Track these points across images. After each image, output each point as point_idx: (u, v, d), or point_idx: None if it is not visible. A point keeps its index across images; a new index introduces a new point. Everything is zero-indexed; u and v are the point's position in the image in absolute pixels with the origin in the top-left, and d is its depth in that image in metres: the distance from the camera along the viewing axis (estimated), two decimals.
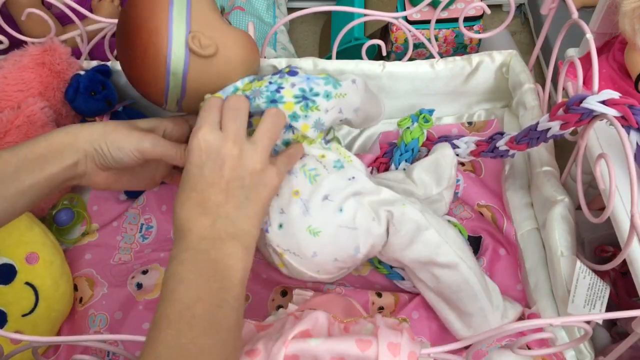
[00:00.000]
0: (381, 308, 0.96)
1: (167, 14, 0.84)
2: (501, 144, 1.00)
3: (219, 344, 0.67)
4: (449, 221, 1.00)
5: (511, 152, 1.00)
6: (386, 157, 1.12)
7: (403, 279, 0.98)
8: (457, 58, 1.14)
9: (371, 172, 1.10)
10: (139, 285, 1.03)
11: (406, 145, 1.09)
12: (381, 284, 1.01)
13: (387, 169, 1.11)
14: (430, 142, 1.12)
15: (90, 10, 1.44)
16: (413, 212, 0.88)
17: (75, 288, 1.03)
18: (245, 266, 0.74)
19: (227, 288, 0.71)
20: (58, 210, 1.09)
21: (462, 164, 1.13)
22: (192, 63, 0.86)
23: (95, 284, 1.04)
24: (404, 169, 1.07)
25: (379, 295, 0.97)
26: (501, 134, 1.02)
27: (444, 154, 1.04)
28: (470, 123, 1.20)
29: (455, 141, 1.09)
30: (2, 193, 0.78)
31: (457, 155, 1.08)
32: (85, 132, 0.84)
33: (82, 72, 1.10)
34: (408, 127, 1.10)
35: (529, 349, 0.80)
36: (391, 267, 0.99)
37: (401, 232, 0.88)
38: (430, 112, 1.11)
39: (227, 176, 0.76)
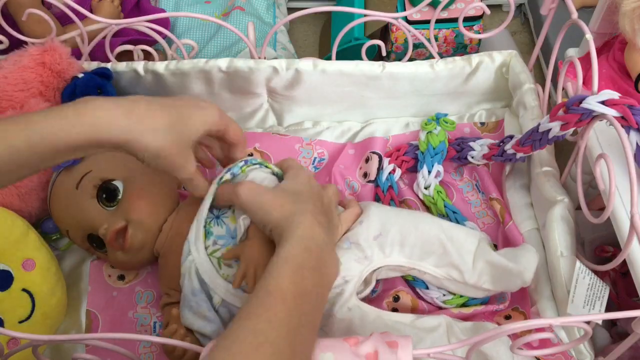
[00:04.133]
0: (395, 309, 0.96)
1: None
2: (508, 147, 1.00)
3: (312, 336, 0.71)
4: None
5: (518, 155, 1.01)
6: (408, 156, 1.14)
7: (427, 287, 0.98)
8: (457, 58, 1.14)
9: (393, 171, 1.13)
10: None
11: (434, 148, 1.12)
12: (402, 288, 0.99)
13: (409, 167, 1.15)
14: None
15: (90, 11, 1.44)
16: None
17: (114, 266, 1.05)
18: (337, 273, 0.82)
19: (324, 294, 0.78)
20: (47, 217, 1.09)
21: None
22: None
23: None
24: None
25: (396, 299, 0.96)
26: (510, 137, 1.02)
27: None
28: (482, 124, 1.20)
29: (471, 143, 1.10)
30: None
31: (472, 157, 1.10)
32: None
33: (80, 75, 1.10)
34: (430, 131, 1.13)
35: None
36: None
37: None
38: (445, 116, 1.15)
39: (324, 201, 0.87)
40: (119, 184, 0.97)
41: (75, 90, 1.08)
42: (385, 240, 0.93)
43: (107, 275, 1.05)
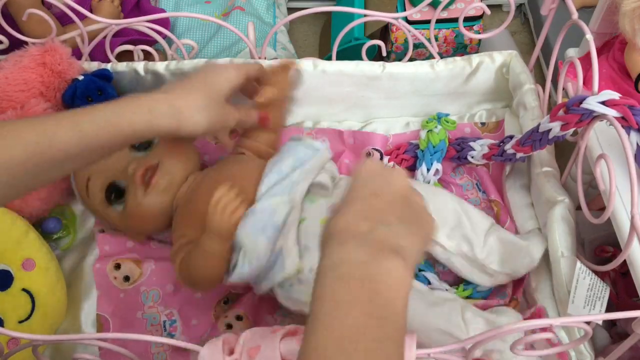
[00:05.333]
0: None
1: None
2: (508, 147, 1.01)
3: None
4: None
5: (518, 155, 1.01)
6: (408, 155, 1.15)
7: (435, 271, 1.00)
8: (457, 58, 1.14)
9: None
10: None
11: (434, 146, 1.12)
12: None
13: (408, 166, 1.15)
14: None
15: (91, 11, 1.44)
16: None
17: (118, 267, 1.05)
18: (407, 290, 0.62)
19: (389, 317, 0.60)
20: (48, 217, 1.09)
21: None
22: None
23: (142, 262, 1.05)
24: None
25: None
26: (510, 137, 1.02)
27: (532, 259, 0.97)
28: (483, 124, 1.21)
29: (471, 143, 1.10)
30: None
31: (472, 157, 1.10)
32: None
33: (80, 77, 1.10)
34: (431, 130, 1.14)
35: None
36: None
37: None
38: (446, 115, 1.16)
39: (395, 192, 0.69)
40: (155, 138, 1.01)
41: (76, 92, 1.08)
42: None
43: (113, 277, 1.05)
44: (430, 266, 1.01)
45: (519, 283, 1.00)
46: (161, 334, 1.01)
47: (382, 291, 0.60)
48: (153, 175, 0.97)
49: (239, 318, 0.99)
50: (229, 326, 0.98)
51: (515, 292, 0.99)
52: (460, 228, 0.96)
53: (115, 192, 0.99)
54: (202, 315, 1.02)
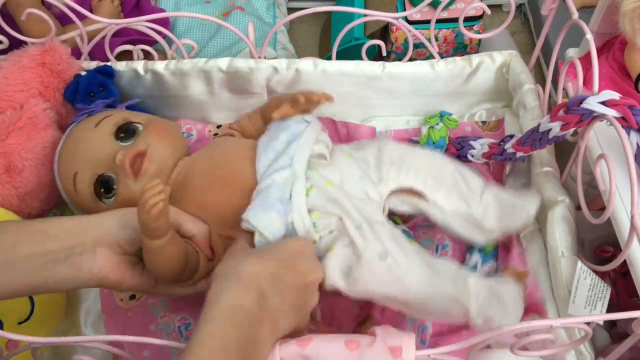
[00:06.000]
0: None
1: None
2: (508, 147, 1.01)
3: None
4: None
5: (518, 154, 1.01)
6: None
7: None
8: (457, 58, 1.14)
9: None
10: None
11: (434, 142, 1.13)
12: None
13: None
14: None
15: (90, 10, 1.44)
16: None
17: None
18: None
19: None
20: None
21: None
22: None
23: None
24: None
25: None
26: (510, 136, 1.02)
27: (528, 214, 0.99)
28: (484, 122, 1.21)
29: (472, 142, 1.11)
30: None
31: (472, 156, 1.11)
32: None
33: (83, 73, 1.10)
34: (432, 126, 1.14)
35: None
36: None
37: None
38: (449, 114, 1.17)
39: (305, 280, 0.78)
40: (139, 125, 0.98)
41: (78, 87, 1.07)
42: (401, 165, 0.96)
43: (119, 299, 1.04)
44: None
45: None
46: (179, 341, 1.00)
47: (255, 354, 0.68)
48: (142, 162, 0.93)
49: None
50: None
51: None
52: (457, 188, 0.96)
53: (105, 186, 0.95)
54: None
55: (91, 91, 1.07)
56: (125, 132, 0.96)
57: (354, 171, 0.94)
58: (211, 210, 0.92)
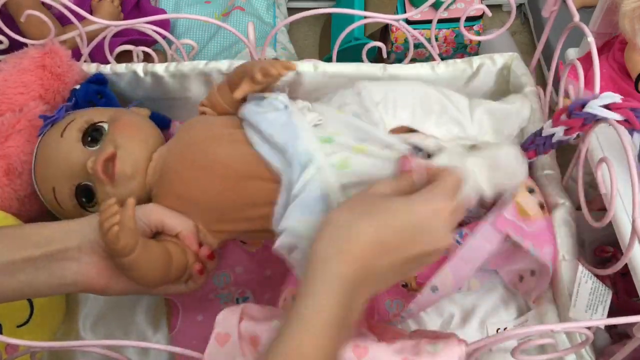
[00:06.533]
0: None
1: None
2: None
3: None
4: None
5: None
6: None
7: None
8: (458, 60, 1.14)
9: None
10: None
11: None
12: None
13: None
14: None
15: (91, 10, 1.44)
16: None
17: None
18: None
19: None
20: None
21: None
22: None
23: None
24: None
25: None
26: None
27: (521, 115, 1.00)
28: None
29: None
30: None
31: None
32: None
33: (77, 87, 1.09)
34: None
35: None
36: None
37: None
38: None
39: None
40: (104, 125, 0.94)
41: (77, 101, 1.07)
42: (387, 104, 0.91)
43: None
44: None
45: None
46: None
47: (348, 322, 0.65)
48: (114, 165, 0.90)
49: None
50: None
51: None
52: (445, 112, 0.92)
53: (85, 195, 0.93)
54: (273, 292, 0.99)
55: (91, 101, 1.07)
56: (91, 135, 0.93)
57: (352, 121, 0.89)
58: (194, 203, 0.89)
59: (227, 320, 0.77)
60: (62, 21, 1.31)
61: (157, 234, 0.90)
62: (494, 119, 0.95)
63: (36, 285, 0.79)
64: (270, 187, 0.85)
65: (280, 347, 0.60)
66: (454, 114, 0.92)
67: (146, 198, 0.93)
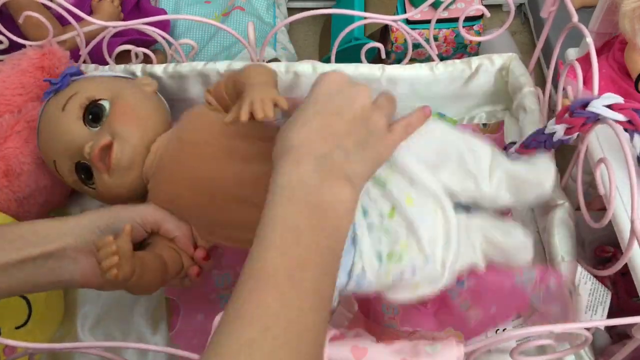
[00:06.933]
0: None
1: None
2: (512, 151, 1.00)
3: (323, 320, 0.59)
4: None
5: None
6: None
7: None
8: (457, 61, 1.14)
9: None
10: None
11: None
12: None
13: None
14: None
15: (91, 10, 1.44)
16: None
17: None
18: (353, 217, 0.65)
19: (334, 247, 0.62)
20: None
21: None
22: None
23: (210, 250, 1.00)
24: None
25: None
26: (513, 143, 1.02)
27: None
28: (484, 125, 1.21)
29: None
30: None
31: None
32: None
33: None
34: None
35: None
36: None
37: None
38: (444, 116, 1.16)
39: (355, 112, 0.68)
40: (105, 103, 0.93)
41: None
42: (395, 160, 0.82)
43: None
44: None
45: None
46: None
47: (331, 219, 0.61)
48: (111, 154, 0.89)
49: None
50: None
51: None
52: (463, 163, 0.84)
53: (85, 173, 0.93)
54: None
55: None
56: (92, 113, 0.92)
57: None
58: (184, 210, 0.89)
59: None
60: (63, 21, 1.31)
61: (151, 234, 0.90)
62: (513, 183, 0.85)
63: (34, 282, 0.80)
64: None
65: (248, 266, 0.60)
66: (472, 167, 0.84)
67: (143, 187, 0.93)
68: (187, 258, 0.90)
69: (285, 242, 0.59)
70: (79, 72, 1.00)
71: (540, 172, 0.86)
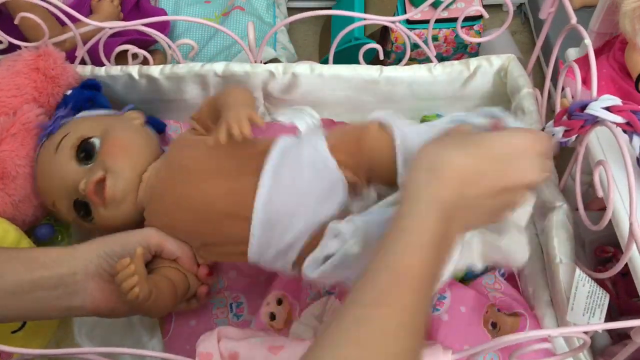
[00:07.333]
0: None
1: None
2: None
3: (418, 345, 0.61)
4: None
5: None
6: None
7: None
8: (455, 62, 1.14)
9: None
10: None
11: None
12: None
13: None
14: None
15: (90, 10, 1.44)
16: None
17: None
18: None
19: (438, 280, 0.65)
20: (40, 224, 1.08)
21: None
22: None
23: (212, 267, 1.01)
24: None
25: None
26: None
27: None
28: None
29: None
30: None
31: None
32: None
33: (68, 92, 1.09)
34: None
35: None
36: None
37: None
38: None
39: (515, 184, 0.69)
40: (96, 140, 0.96)
41: (68, 106, 1.06)
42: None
43: None
44: None
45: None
46: (227, 316, 1.01)
47: (446, 256, 0.66)
48: (104, 188, 0.93)
49: (279, 302, 0.97)
50: (272, 317, 0.96)
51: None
52: None
53: (83, 209, 0.96)
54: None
55: (82, 107, 1.06)
56: (85, 151, 0.96)
57: None
58: (180, 234, 0.92)
59: (207, 341, 0.81)
60: (61, 22, 1.30)
61: (154, 257, 0.92)
62: (489, 252, 0.83)
63: (42, 307, 0.82)
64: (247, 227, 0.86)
65: (385, 261, 0.60)
66: None
67: (139, 215, 0.96)
68: (192, 278, 0.93)
69: (427, 253, 0.61)
70: (71, 114, 1.04)
71: (512, 248, 0.84)
